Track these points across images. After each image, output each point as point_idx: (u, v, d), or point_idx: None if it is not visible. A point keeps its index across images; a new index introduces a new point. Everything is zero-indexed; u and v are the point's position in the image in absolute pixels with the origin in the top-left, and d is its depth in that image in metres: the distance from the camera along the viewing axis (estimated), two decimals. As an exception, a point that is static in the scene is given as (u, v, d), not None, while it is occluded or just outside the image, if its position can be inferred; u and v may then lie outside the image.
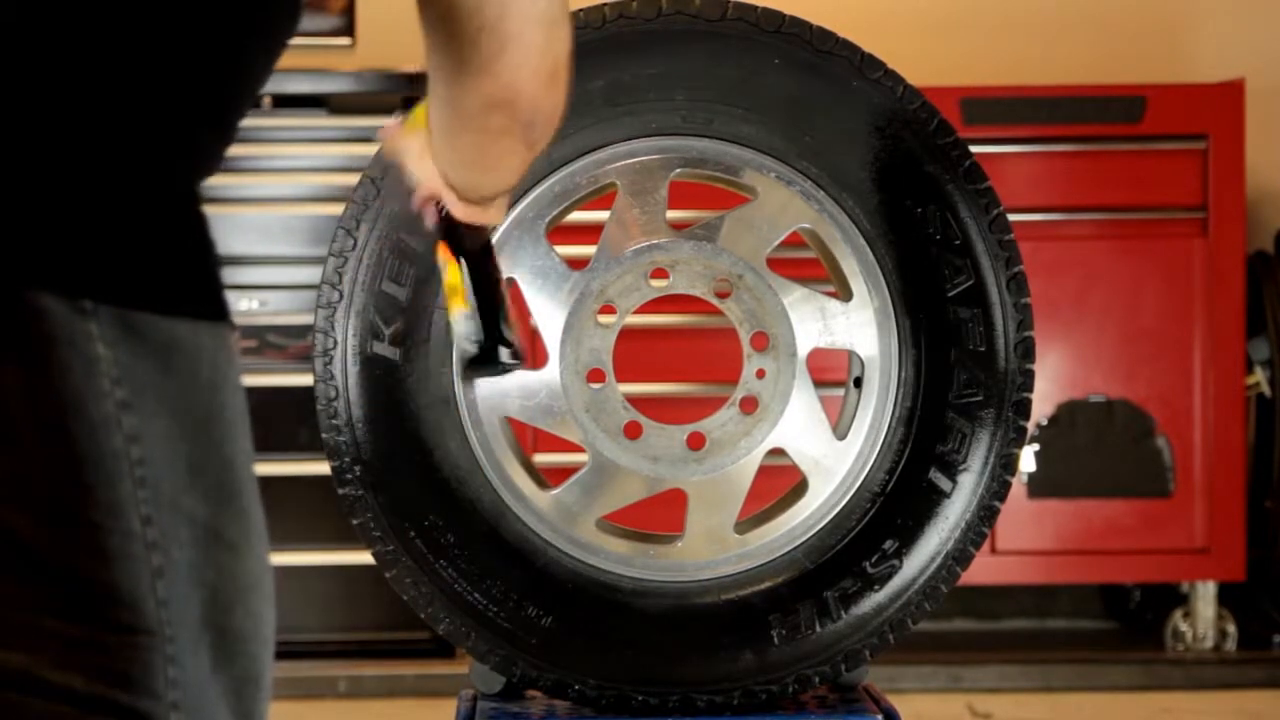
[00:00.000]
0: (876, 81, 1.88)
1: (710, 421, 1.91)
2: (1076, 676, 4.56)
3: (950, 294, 1.89)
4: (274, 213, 4.69)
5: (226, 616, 1.17)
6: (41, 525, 1.12)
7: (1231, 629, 4.69)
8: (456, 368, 1.81)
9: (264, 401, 4.64)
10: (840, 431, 1.91)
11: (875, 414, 1.90)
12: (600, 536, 1.90)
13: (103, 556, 1.12)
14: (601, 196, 1.93)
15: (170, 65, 1.16)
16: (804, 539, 1.91)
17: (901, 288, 1.89)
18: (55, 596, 1.13)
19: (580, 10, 1.77)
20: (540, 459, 2.07)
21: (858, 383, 1.91)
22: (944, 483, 1.89)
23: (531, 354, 1.80)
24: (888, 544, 1.89)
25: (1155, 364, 4.66)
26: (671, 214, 1.90)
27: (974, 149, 1.91)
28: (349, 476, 1.87)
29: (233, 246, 4.67)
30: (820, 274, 1.94)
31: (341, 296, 1.86)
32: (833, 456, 1.91)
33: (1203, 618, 4.69)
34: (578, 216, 2.00)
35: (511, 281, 1.88)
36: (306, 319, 4.54)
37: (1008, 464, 1.89)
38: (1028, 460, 4.67)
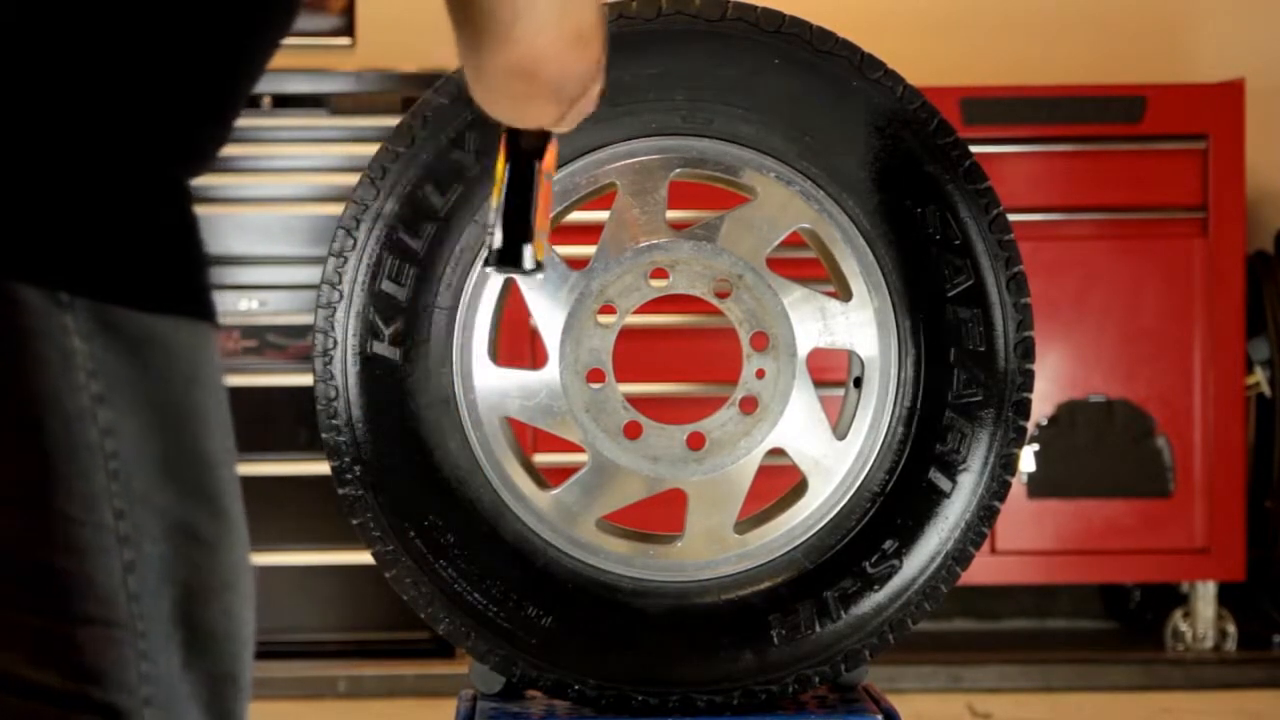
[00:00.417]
0: (876, 81, 1.88)
1: (710, 421, 1.91)
2: (1076, 676, 4.56)
3: (950, 294, 1.89)
4: (274, 213, 4.69)
5: (201, 614, 1.17)
6: (13, 517, 1.12)
7: (1231, 629, 4.69)
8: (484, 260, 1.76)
9: (264, 401, 4.65)
10: (840, 431, 1.91)
11: (875, 414, 1.90)
12: (600, 536, 1.90)
13: (75, 549, 1.12)
14: (601, 196, 1.93)
15: (163, 61, 1.16)
16: (804, 539, 1.91)
17: (901, 288, 1.89)
18: (27, 590, 1.12)
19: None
20: (540, 459, 2.07)
21: (857, 383, 1.92)
22: (944, 483, 1.89)
23: (531, 354, 1.79)
24: (887, 544, 1.89)
25: (1155, 364, 4.66)
26: (671, 214, 1.90)
27: (974, 149, 1.91)
28: (349, 476, 1.87)
29: (233, 246, 4.67)
30: (820, 274, 1.94)
31: (341, 296, 1.86)
32: (832, 456, 1.91)
33: (1203, 618, 4.69)
34: (578, 216, 2.00)
35: (511, 281, 1.88)
36: (306, 319, 4.54)
37: (1008, 464, 1.89)
38: (1028, 460, 4.67)
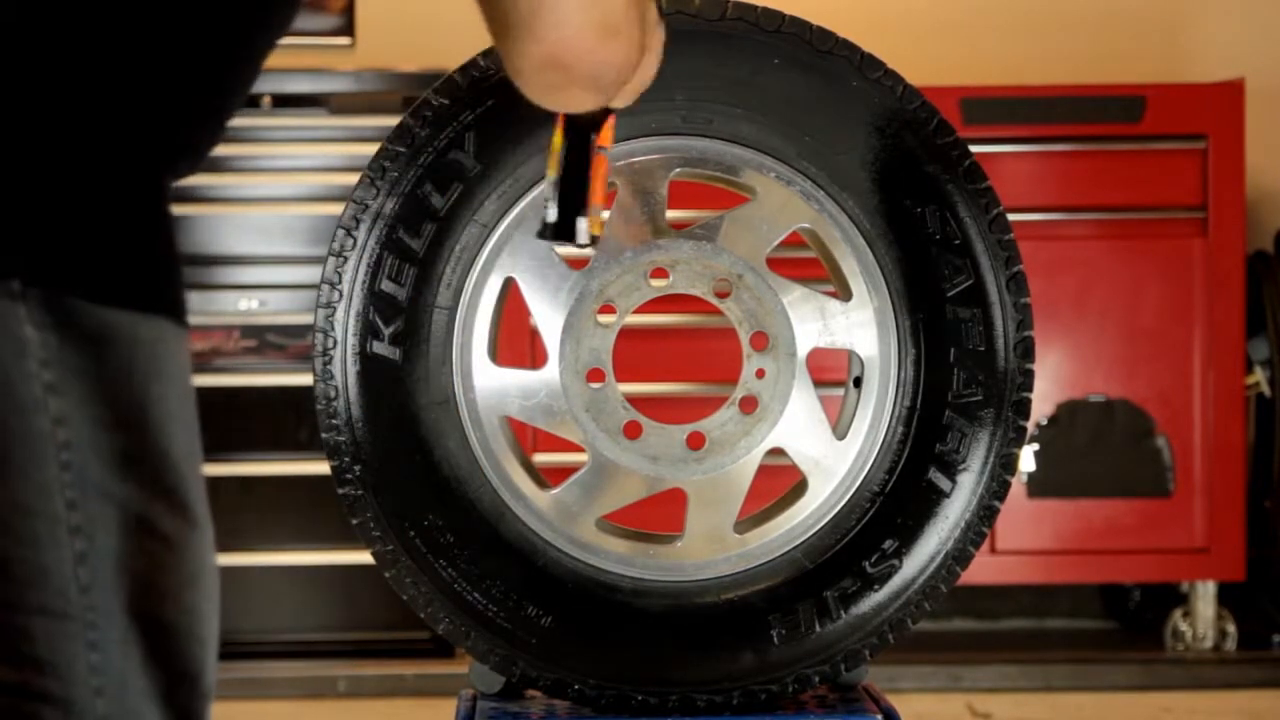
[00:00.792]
0: (876, 81, 1.88)
1: (710, 421, 1.91)
2: (1076, 676, 4.56)
3: (950, 294, 1.89)
4: (274, 213, 4.69)
5: (158, 609, 1.16)
6: None
7: (1231, 629, 4.69)
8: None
9: (264, 401, 4.66)
10: (840, 431, 1.91)
11: (875, 414, 1.90)
12: (600, 536, 1.90)
13: (26, 538, 1.12)
14: (601, 196, 1.92)
15: (149, 57, 1.15)
16: (804, 539, 1.91)
17: (901, 287, 1.89)
18: None
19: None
20: (540, 459, 2.07)
21: (857, 382, 1.92)
22: (944, 482, 1.89)
23: (531, 354, 1.79)
24: (887, 544, 1.89)
25: (1155, 364, 4.66)
26: (671, 214, 1.90)
27: (974, 149, 1.91)
28: (349, 476, 1.87)
29: (233, 246, 4.68)
30: (820, 274, 1.94)
31: (341, 296, 1.86)
32: (832, 456, 1.91)
33: (1203, 617, 4.69)
34: (577, 216, 2.00)
35: (510, 281, 1.88)
36: (306, 319, 4.54)
37: (1007, 464, 1.89)
38: (1027, 460, 4.67)
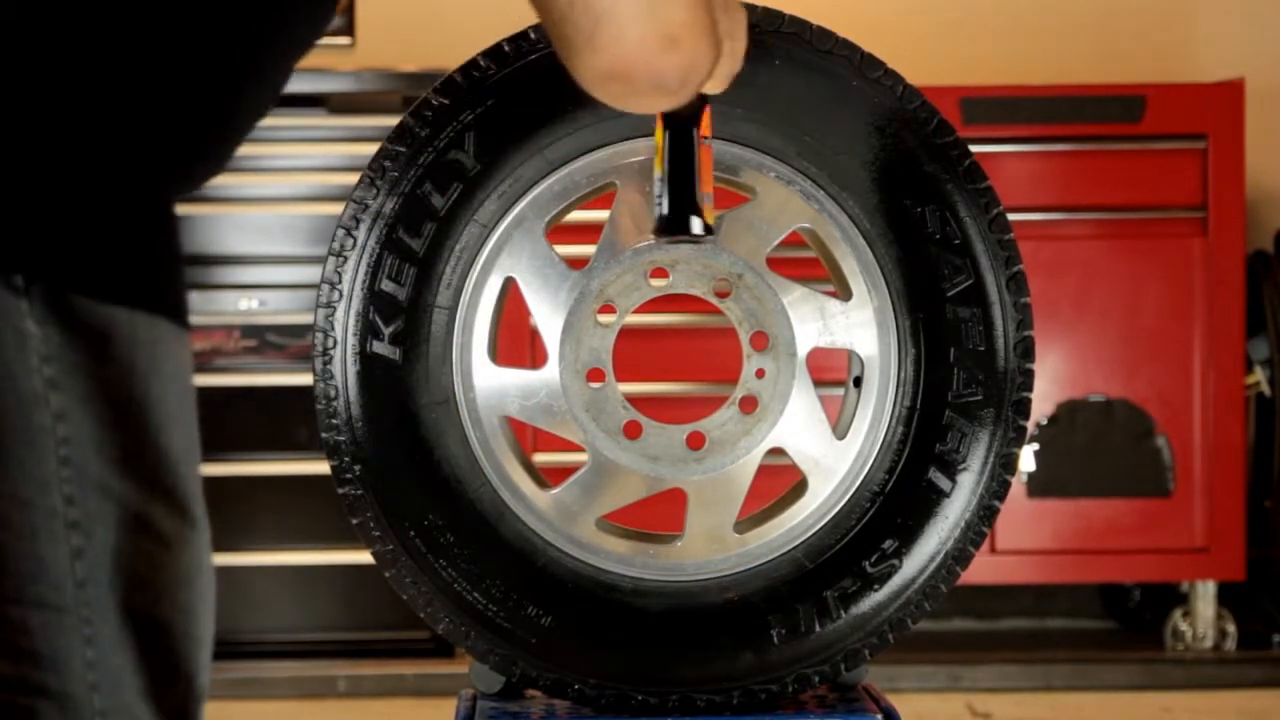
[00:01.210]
0: (876, 81, 1.88)
1: (710, 421, 1.91)
2: (1076, 676, 4.56)
3: (950, 293, 1.89)
4: (274, 212, 4.69)
5: (153, 607, 1.16)
6: None
7: (1231, 629, 4.69)
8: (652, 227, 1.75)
9: (264, 401, 4.66)
10: (840, 431, 1.91)
11: (875, 413, 1.90)
12: (600, 536, 1.90)
13: (24, 531, 1.12)
14: (601, 196, 1.92)
15: (161, 61, 1.15)
16: (804, 539, 1.91)
17: (901, 287, 1.89)
18: None
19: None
20: (540, 459, 2.07)
21: (857, 382, 1.91)
22: (944, 482, 1.89)
23: (531, 354, 1.79)
24: (887, 543, 1.89)
25: (1155, 364, 4.66)
26: (671, 214, 1.90)
27: (974, 149, 1.91)
28: (349, 476, 1.87)
29: (233, 246, 4.68)
30: (820, 274, 1.94)
31: (341, 296, 1.86)
32: (832, 456, 1.91)
33: (1202, 617, 4.69)
34: (577, 216, 1.99)
35: (510, 281, 1.88)
36: (306, 318, 4.54)
37: (1007, 463, 1.89)
38: (1027, 460, 4.67)
